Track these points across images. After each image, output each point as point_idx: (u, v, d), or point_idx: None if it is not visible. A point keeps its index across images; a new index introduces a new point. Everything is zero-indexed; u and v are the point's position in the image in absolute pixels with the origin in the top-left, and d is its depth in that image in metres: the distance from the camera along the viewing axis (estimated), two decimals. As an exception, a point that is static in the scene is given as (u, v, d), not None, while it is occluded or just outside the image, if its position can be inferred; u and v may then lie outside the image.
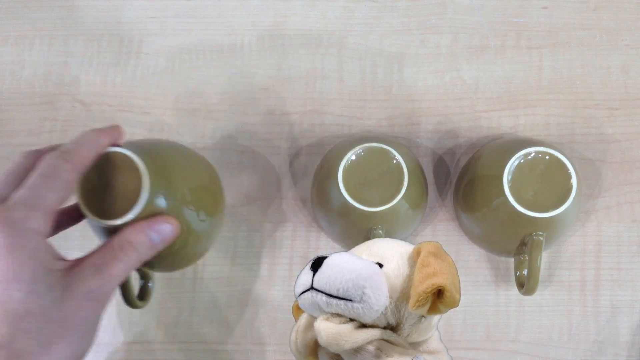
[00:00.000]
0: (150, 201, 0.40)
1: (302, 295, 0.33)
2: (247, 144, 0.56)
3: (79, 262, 0.38)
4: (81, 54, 0.58)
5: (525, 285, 0.48)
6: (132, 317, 0.55)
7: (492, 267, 0.55)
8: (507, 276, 0.55)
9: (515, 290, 0.52)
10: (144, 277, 0.47)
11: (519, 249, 0.49)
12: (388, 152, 0.48)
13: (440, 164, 0.56)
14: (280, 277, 0.55)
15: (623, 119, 0.56)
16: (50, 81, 0.57)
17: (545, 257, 0.54)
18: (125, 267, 0.39)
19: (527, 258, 0.48)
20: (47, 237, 0.37)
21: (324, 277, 0.31)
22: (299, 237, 0.55)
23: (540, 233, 0.47)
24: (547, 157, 0.47)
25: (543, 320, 0.55)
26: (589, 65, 0.57)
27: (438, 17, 0.57)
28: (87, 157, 0.39)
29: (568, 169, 0.47)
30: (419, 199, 0.50)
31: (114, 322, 0.55)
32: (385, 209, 0.47)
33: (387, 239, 0.37)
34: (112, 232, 0.40)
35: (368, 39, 0.57)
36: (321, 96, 0.57)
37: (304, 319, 0.34)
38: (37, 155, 0.39)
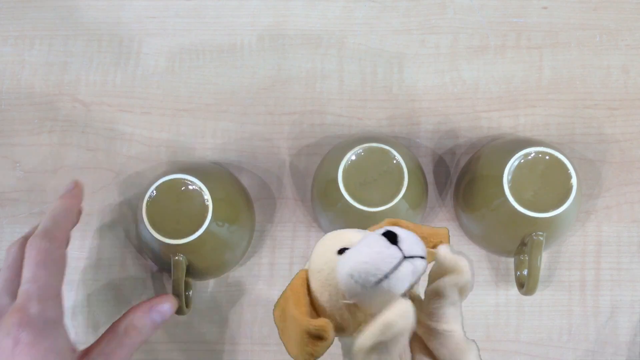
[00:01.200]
0: (210, 224, 0.46)
1: (400, 270, 0.30)
2: (247, 144, 0.56)
3: (88, 351, 0.40)
4: (81, 54, 0.58)
5: (526, 285, 0.48)
6: (132, 317, 0.55)
7: (492, 267, 0.55)
8: (507, 276, 0.55)
9: (515, 290, 0.52)
10: (188, 287, 0.50)
11: (519, 249, 0.49)
12: (388, 152, 0.48)
13: (440, 164, 0.56)
14: (280, 277, 0.55)
15: (623, 119, 0.56)
16: (50, 81, 0.57)
17: (545, 257, 0.54)
18: (129, 350, 0.41)
19: (527, 258, 0.48)
20: (64, 318, 0.39)
21: (413, 242, 0.31)
22: (299, 237, 0.55)
23: (540, 233, 0.47)
24: (547, 157, 0.47)
25: (543, 320, 0.55)
26: (589, 65, 0.57)
27: (438, 17, 0.57)
28: (67, 228, 0.42)
29: (568, 169, 0.47)
30: (419, 199, 0.50)
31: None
32: (385, 209, 0.47)
33: (343, 231, 0.36)
34: (170, 249, 0.47)
35: (368, 39, 0.57)
36: (321, 96, 0.57)
37: (410, 306, 0.30)
38: (24, 244, 0.41)
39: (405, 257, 0.30)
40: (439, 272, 0.34)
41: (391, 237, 0.30)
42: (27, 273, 0.39)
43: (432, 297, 0.34)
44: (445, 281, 0.33)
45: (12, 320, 0.37)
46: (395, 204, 0.47)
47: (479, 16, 0.57)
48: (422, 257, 0.31)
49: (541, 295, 0.54)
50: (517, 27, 0.57)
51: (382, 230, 0.31)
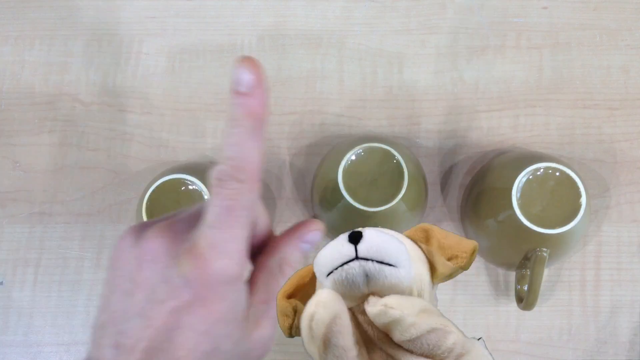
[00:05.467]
0: None
1: (344, 267, 0.32)
2: (247, 144, 0.56)
3: (251, 300, 0.36)
4: (81, 54, 0.58)
5: (525, 300, 0.47)
6: (132, 317, 0.55)
7: (492, 267, 0.55)
8: (507, 275, 0.55)
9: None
10: None
11: (521, 263, 0.49)
12: (388, 152, 0.48)
13: (441, 164, 0.56)
14: (280, 277, 0.55)
15: (623, 119, 0.56)
16: (50, 81, 0.57)
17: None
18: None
19: (528, 273, 0.48)
20: (244, 275, 0.35)
21: (372, 245, 0.32)
22: (299, 237, 0.55)
23: (544, 249, 0.47)
24: (557, 174, 0.47)
25: (543, 320, 0.55)
26: (589, 65, 0.57)
27: (438, 17, 0.57)
28: (255, 172, 0.34)
29: (578, 187, 0.46)
30: (418, 199, 0.50)
31: (114, 322, 0.55)
32: (385, 209, 0.47)
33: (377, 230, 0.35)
34: None
35: (368, 39, 0.57)
36: (321, 96, 0.57)
37: (327, 293, 0.31)
38: None
39: (357, 258, 0.32)
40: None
41: (353, 237, 0.32)
42: (210, 216, 0.34)
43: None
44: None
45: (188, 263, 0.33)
46: (395, 204, 0.47)
47: (479, 16, 0.57)
48: (379, 262, 0.32)
49: (541, 295, 0.54)
50: (517, 27, 0.57)
51: (351, 231, 0.33)
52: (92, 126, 0.57)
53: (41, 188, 0.56)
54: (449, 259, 0.35)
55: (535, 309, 0.54)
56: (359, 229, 0.32)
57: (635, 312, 0.54)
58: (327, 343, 0.31)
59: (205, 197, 0.47)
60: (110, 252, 0.37)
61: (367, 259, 0.32)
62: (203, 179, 0.48)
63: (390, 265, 0.32)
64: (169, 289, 0.33)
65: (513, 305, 0.55)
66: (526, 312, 0.54)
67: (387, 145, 0.48)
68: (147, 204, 0.47)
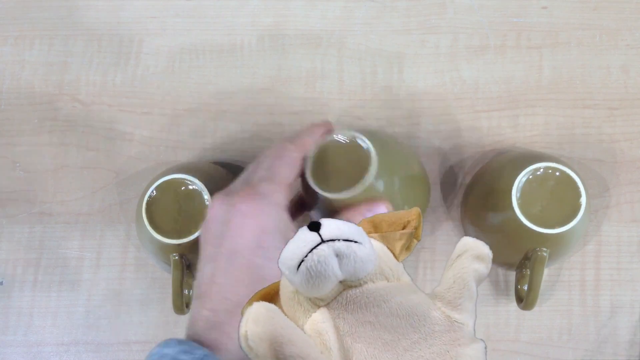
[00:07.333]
0: None
1: (313, 252, 0.31)
2: (247, 144, 0.56)
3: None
4: (81, 54, 0.58)
5: (525, 300, 0.47)
6: (132, 317, 0.55)
7: (492, 267, 0.55)
8: (507, 275, 0.55)
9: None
10: (188, 287, 0.49)
11: (521, 263, 0.49)
12: (357, 137, 0.44)
13: (441, 164, 0.56)
14: (280, 277, 0.55)
15: (623, 119, 0.56)
16: (50, 81, 0.57)
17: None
18: None
19: (528, 273, 0.48)
20: (285, 208, 0.42)
21: (333, 228, 0.32)
22: (299, 237, 0.55)
23: (544, 249, 0.47)
24: (557, 174, 0.47)
25: (543, 320, 0.55)
26: (589, 65, 0.57)
27: (438, 17, 0.57)
28: (307, 140, 0.45)
29: (578, 187, 0.46)
30: (417, 196, 0.50)
31: (114, 322, 0.55)
32: (353, 196, 0.43)
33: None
34: (170, 248, 0.47)
35: (368, 39, 0.57)
36: (321, 96, 0.57)
37: (256, 306, 0.30)
38: None
39: (324, 241, 0.32)
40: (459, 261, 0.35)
41: (313, 227, 0.32)
42: (265, 163, 0.44)
43: (452, 285, 0.34)
44: (469, 269, 0.34)
45: (242, 193, 0.42)
46: (364, 191, 0.43)
47: (479, 16, 0.57)
48: (346, 240, 0.32)
49: (541, 295, 0.54)
50: (517, 27, 0.57)
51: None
52: (92, 126, 0.57)
53: (41, 188, 0.56)
54: (403, 228, 0.35)
55: (535, 308, 0.54)
56: (322, 220, 0.32)
57: (635, 312, 0.54)
58: (280, 357, 0.30)
59: (205, 197, 0.47)
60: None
61: (333, 240, 0.32)
62: (203, 179, 0.48)
63: (355, 242, 0.32)
64: (225, 226, 0.40)
65: (513, 305, 0.55)
66: (526, 312, 0.54)
67: (360, 132, 0.44)
68: (147, 204, 0.47)
